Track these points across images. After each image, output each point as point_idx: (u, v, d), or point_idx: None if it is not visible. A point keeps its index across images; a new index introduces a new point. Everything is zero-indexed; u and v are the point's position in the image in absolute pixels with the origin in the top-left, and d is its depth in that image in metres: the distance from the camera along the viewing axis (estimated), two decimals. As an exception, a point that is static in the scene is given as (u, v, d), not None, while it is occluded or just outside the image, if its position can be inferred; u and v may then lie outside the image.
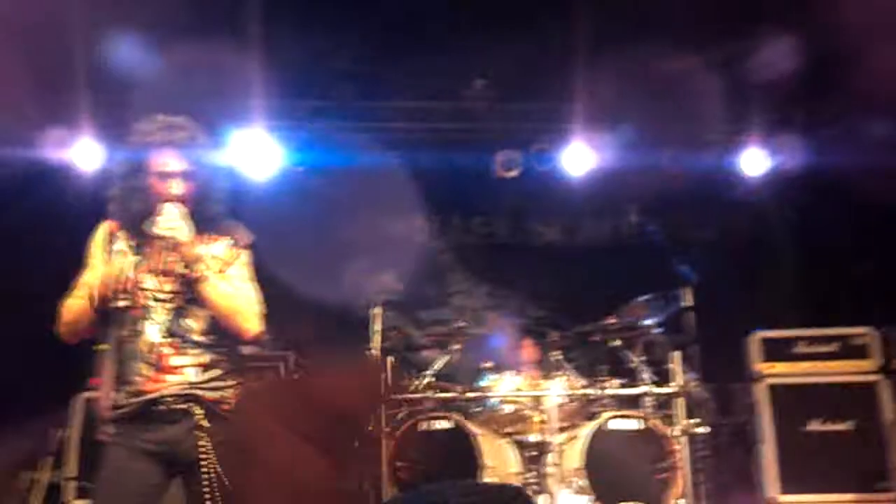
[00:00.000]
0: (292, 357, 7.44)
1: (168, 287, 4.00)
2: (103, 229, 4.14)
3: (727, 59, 7.79)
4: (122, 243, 4.09)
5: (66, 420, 6.81)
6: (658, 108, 8.27)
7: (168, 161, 3.96)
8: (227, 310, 3.99)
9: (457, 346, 7.42)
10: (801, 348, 7.56)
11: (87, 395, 6.94)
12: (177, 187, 3.98)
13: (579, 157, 8.76)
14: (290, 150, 8.67)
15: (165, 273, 3.99)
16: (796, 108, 8.67)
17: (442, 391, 7.20)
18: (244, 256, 4.15)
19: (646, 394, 6.92)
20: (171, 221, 3.92)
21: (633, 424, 6.66)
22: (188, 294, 3.99)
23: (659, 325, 7.28)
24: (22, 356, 7.38)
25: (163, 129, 3.98)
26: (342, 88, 8.58)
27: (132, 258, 4.04)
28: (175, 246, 3.92)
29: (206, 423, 3.94)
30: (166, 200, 3.96)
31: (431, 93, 8.71)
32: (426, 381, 7.22)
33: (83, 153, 8.20)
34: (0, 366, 7.48)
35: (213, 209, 4.07)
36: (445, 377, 7.40)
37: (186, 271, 3.95)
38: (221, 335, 4.03)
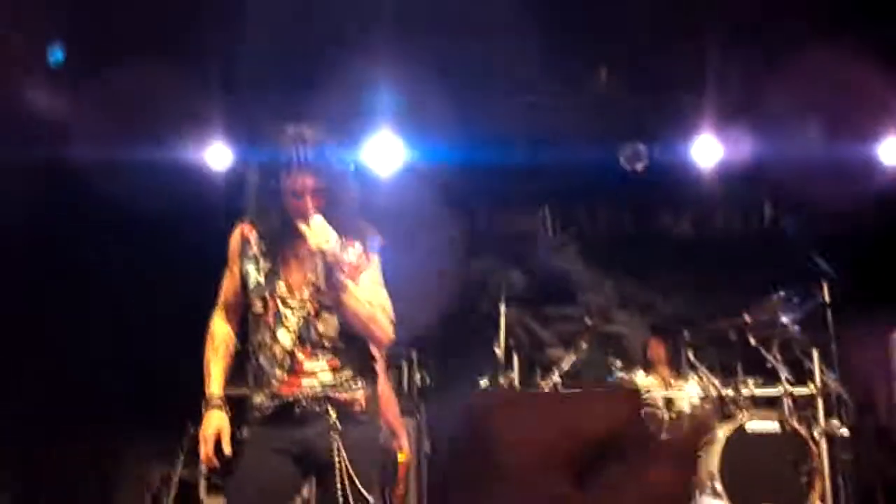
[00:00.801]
0: (415, 355, 7.42)
1: (300, 294, 4.03)
2: (237, 234, 4.19)
3: (868, 45, 7.50)
4: (254, 248, 4.13)
5: (201, 417, 6.91)
6: (791, 99, 8.03)
7: (299, 179, 3.95)
8: (364, 318, 4.00)
9: (584, 344, 7.31)
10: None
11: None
12: (309, 203, 3.97)
13: (708, 150, 8.58)
14: (413, 147, 8.63)
15: (303, 282, 4.02)
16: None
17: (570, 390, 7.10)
18: (376, 260, 4.15)
19: (784, 394, 6.70)
20: (323, 235, 3.91)
21: (771, 426, 6.47)
22: (325, 301, 4.01)
23: (796, 322, 7.04)
24: (160, 350, 7.55)
25: (293, 142, 3.95)
26: (465, 83, 8.54)
27: (265, 264, 4.09)
28: (325, 258, 3.92)
29: (339, 425, 3.96)
30: (299, 216, 3.97)
31: (556, 86, 8.60)
32: (555, 379, 7.13)
33: (215, 155, 8.35)
34: (139, 360, 7.68)
35: (344, 215, 4.05)
36: (573, 376, 7.30)
37: (330, 281, 3.94)
38: (352, 338, 4.04)
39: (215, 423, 4.06)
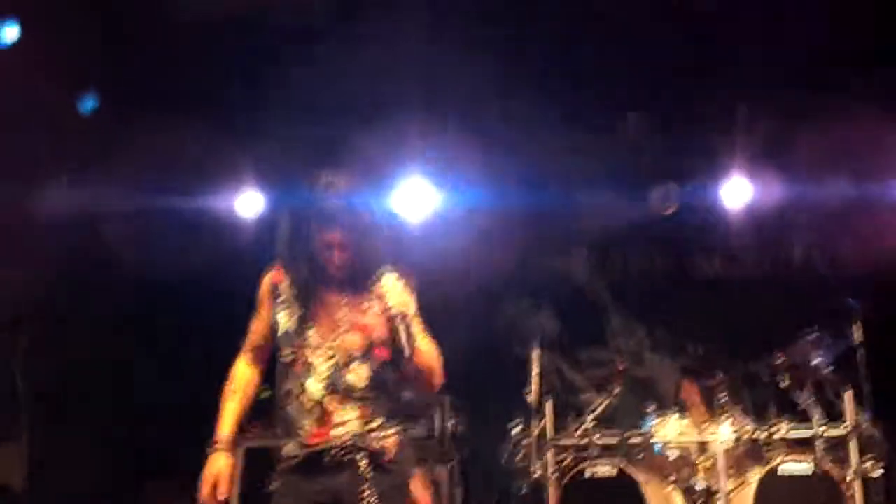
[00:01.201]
0: (448, 401, 7.41)
1: (331, 343, 4.04)
2: (268, 279, 4.22)
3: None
4: (285, 294, 4.15)
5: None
6: (821, 140, 8.01)
7: (328, 229, 3.99)
8: (427, 366, 4.06)
9: (617, 388, 7.29)
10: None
11: (248, 444, 7.09)
12: (337, 254, 4.03)
13: (738, 191, 8.56)
14: (444, 192, 8.67)
15: (334, 331, 4.04)
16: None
17: (604, 435, 7.07)
18: (415, 306, 4.14)
19: (817, 435, 6.66)
20: (403, 298, 3.97)
21: (804, 468, 6.43)
22: (356, 353, 4.03)
23: (829, 362, 7.00)
24: (188, 396, 7.62)
25: (324, 190, 4.00)
26: (496, 126, 8.59)
27: (296, 311, 4.10)
28: (405, 321, 3.95)
29: (369, 474, 3.97)
30: (329, 265, 4.03)
31: (586, 129, 8.62)
32: (587, 424, 7.10)
33: (246, 202, 8.42)
34: (167, 405, 7.75)
35: (373, 265, 4.08)
36: (606, 420, 7.28)
37: (408, 342, 3.97)
38: (381, 386, 4.07)
39: (217, 466, 4.07)
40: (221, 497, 4.05)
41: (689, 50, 7.55)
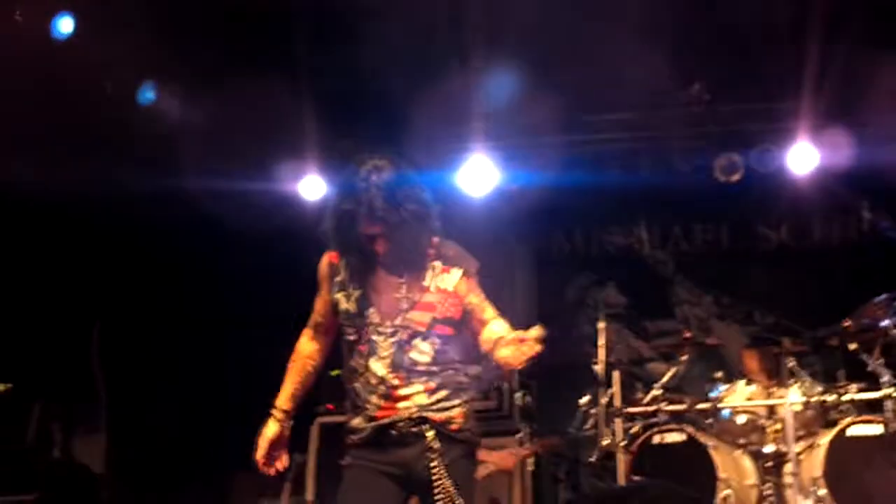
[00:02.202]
0: (516, 375, 7.46)
1: (392, 321, 4.09)
2: (325, 260, 4.29)
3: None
4: (342, 275, 4.21)
5: (304, 445, 7.13)
6: (888, 101, 7.91)
7: (367, 218, 4.01)
8: (504, 363, 3.97)
9: (684, 357, 7.32)
10: None
11: (322, 420, 7.24)
12: (382, 248, 4.07)
13: (805, 157, 8.46)
14: (506, 168, 8.69)
15: (395, 309, 4.09)
16: None
17: (672, 403, 7.11)
18: (476, 282, 4.21)
19: (886, 396, 6.62)
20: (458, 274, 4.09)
21: (874, 430, 6.41)
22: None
23: (898, 325, 6.95)
24: (255, 379, 7.77)
25: (367, 174, 4.00)
26: (555, 102, 8.60)
27: (354, 291, 4.17)
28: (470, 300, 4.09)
29: (436, 444, 4.03)
30: (373, 254, 4.09)
31: (649, 100, 8.59)
32: (655, 393, 7.14)
33: (309, 186, 8.51)
34: (238, 389, 7.91)
35: (426, 245, 4.13)
36: (674, 389, 7.31)
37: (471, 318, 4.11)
38: (447, 362, 4.13)
39: (269, 432, 4.23)
40: (280, 464, 4.24)
41: (751, 12, 7.48)
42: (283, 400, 4.28)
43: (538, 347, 3.71)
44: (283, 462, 4.27)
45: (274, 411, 4.26)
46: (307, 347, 4.35)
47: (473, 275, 4.19)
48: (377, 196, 3.97)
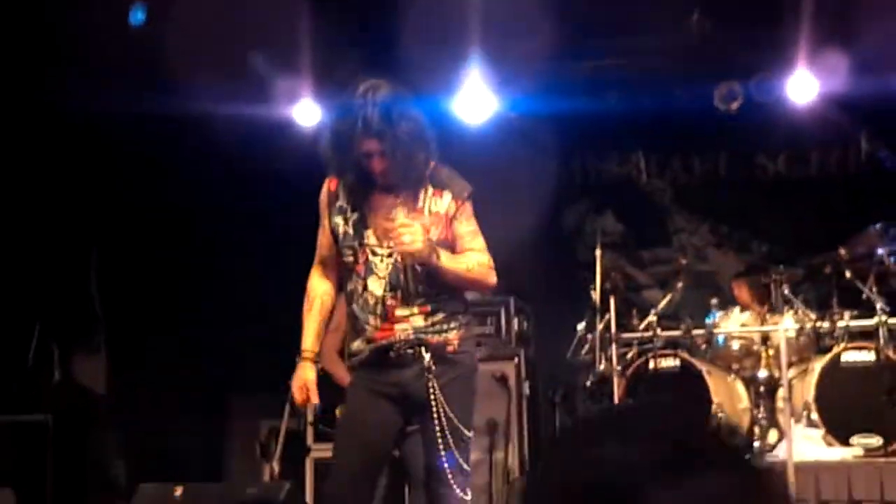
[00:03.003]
0: (513, 302, 7.52)
1: (389, 243, 4.12)
2: (325, 188, 4.33)
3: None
4: (341, 200, 4.26)
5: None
6: (888, 26, 7.83)
7: (365, 140, 4.03)
8: (463, 283, 4.20)
9: (679, 284, 7.36)
10: None
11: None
12: (378, 166, 4.08)
13: (804, 85, 8.40)
14: (504, 95, 8.63)
15: (391, 230, 4.07)
16: None
17: (667, 330, 7.17)
18: (468, 207, 4.23)
19: (880, 324, 6.68)
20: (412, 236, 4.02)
21: (867, 356, 6.48)
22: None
23: (893, 254, 6.99)
24: (258, 308, 7.83)
25: (363, 98, 4.01)
26: (555, 30, 8.53)
27: (352, 215, 4.21)
28: (413, 258, 4.06)
29: (433, 366, 4.09)
30: (372, 173, 4.10)
31: (647, 29, 8.52)
32: (651, 320, 7.20)
33: (304, 111, 8.36)
34: (238, 320, 7.97)
35: (423, 165, 4.15)
36: (670, 316, 7.36)
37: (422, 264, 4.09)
38: (443, 284, 4.16)
39: (303, 375, 4.27)
40: (314, 401, 4.29)
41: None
42: (311, 342, 4.32)
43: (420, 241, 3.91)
44: (316, 398, 4.31)
45: (305, 354, 4.30)
46: (320, 286, 4.37)
47: (465, 199, 4.22)
48: (374, 112, 3.98)
